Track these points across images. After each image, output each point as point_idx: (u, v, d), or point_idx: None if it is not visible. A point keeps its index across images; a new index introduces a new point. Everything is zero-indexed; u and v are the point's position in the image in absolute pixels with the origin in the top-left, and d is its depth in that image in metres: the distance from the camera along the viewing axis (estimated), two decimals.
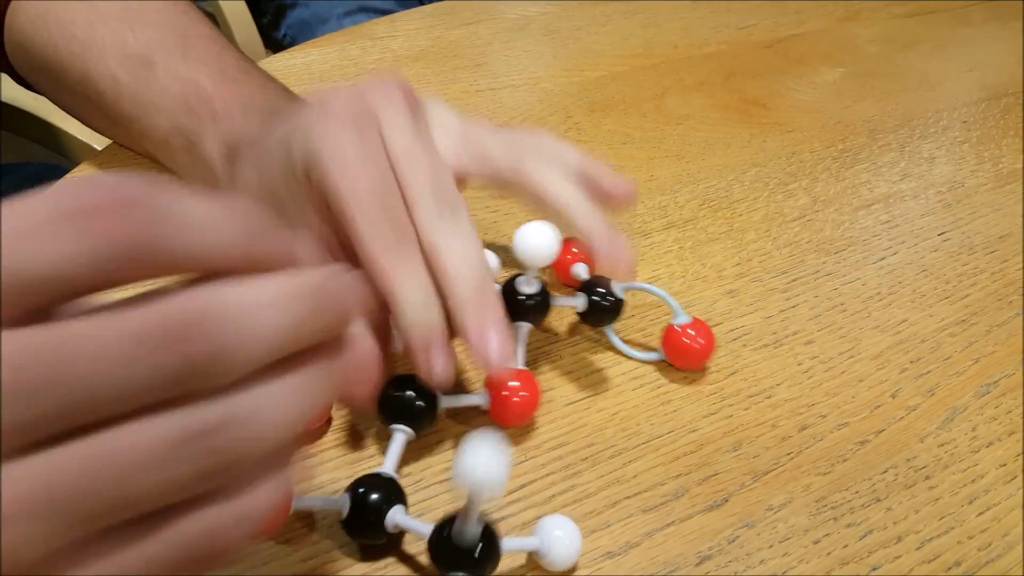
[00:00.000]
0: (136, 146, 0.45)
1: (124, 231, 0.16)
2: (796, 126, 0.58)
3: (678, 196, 0.50)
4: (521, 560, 0.31)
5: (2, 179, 0.63)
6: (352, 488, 0.30)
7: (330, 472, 0.33)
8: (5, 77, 0.49)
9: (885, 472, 0.35)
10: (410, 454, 0.34)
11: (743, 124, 0.57)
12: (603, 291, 0.38)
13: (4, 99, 0.63)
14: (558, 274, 0.43)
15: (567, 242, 0.42)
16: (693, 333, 0.38)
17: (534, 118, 0.55)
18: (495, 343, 0.29)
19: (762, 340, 0.41)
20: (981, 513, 0.34)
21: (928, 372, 0.40)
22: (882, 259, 0.47)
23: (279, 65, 0.58)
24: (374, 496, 0.30)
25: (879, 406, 0.38)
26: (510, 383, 0.34)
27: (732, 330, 0.41)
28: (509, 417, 0.35)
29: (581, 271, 0.41)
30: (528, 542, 0.30)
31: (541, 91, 0.57)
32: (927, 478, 0.35)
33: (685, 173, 0.52)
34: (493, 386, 0.34)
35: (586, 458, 0.35)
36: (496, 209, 0.47)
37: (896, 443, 0.37)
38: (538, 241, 0.34)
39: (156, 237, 0.17)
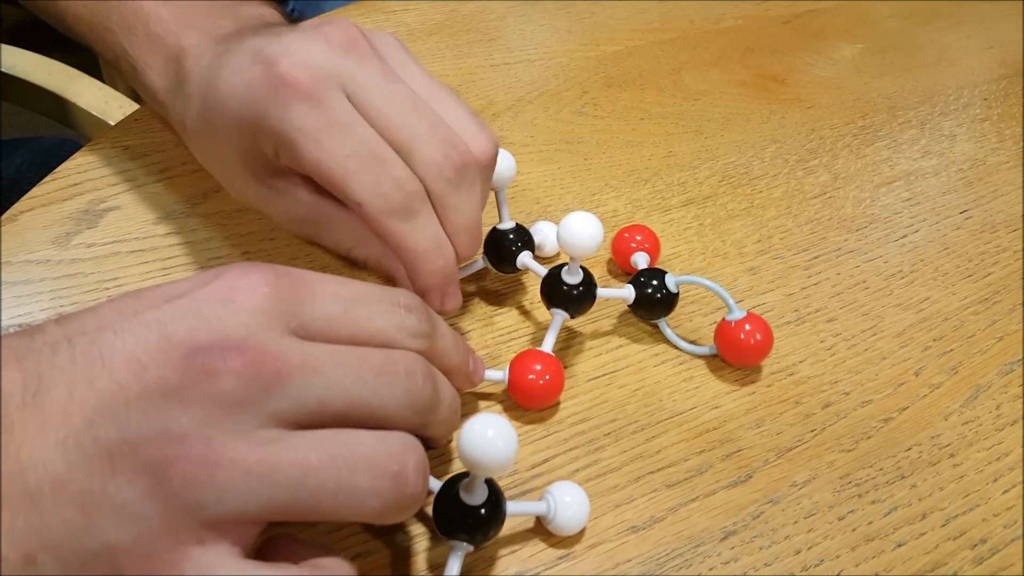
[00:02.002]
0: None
1: (423, 350, 0.28)
2: (815, 102, 0.57)
3: (697, 172, 0.49)
4: (530, 524, 0.31)
5: (16, 153, 0.62)
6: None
7: None
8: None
9: (909, 449, 0.35)
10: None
11: (762, 100, 0.56)
12: (656, 283, 0.37)
13: (13, 72, 0.62)
14: (618, 262, 0.42)
15: (629, 229, 0.41)
16: (749, 328, 0.36)
17: (550, 93, 0.54)
18: (448, 293, 0.34)
19: (784, 317, 0.41)
20: (1007, 491, 0.34)
21: (951, 350, 0.40)
22: (904, 237, 0.46)
23: None
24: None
25: (902, 384, 0.38)
26: (535, 366, 0.34)
27: (754, 307, 0.41)
28: (529, 399, 0.34)
29: (640, 261, 0.40)
30: (535, 507, 0.30)
31: (556, 66, 0.57)
32: (951, 456, 0.35)
33: (704, 149, 0.51)
34: (516, 364, 0.34)
35: (609, 433, 0.35)
36: (539, 200, 0.46)
37: (920, 421, 0.36)
38: (580, 232, 0.32)
39: (433, 356, 0.29)
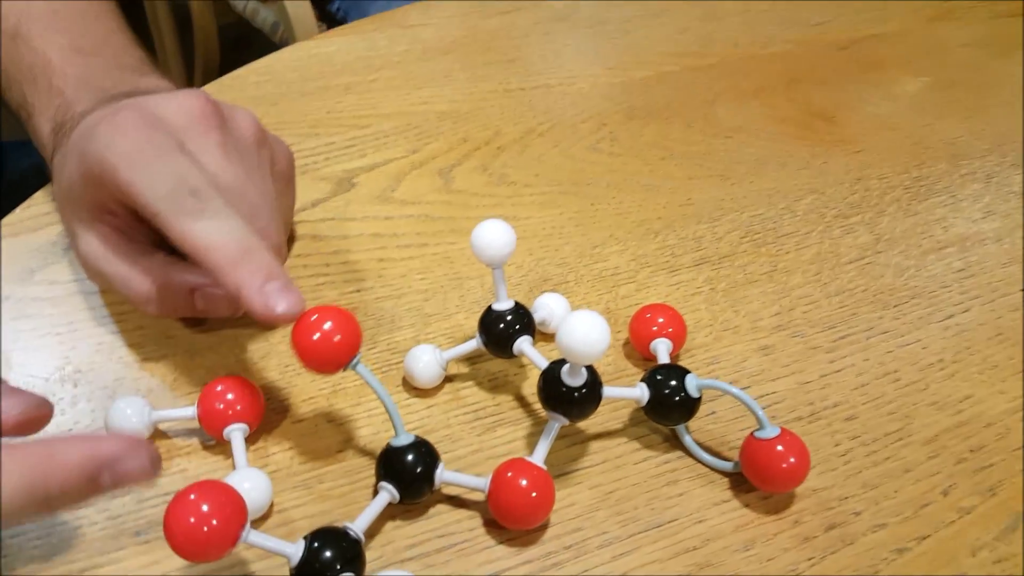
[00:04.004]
0: None
1: None
2: (865, 145, 0.51)
3: (717, 226, 0.44)
4: None
5: (23, 157, 0.61)
6: (309, 538, 0.27)
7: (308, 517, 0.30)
8: None
9: None
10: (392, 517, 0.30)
11: (803, 141, 0.51)
12: (674, 384, 0.32)
13: None
14: (635, 345, 0.37)
15: (652, 309, 0.36)
16: (782, 450, 0.31)
17: (564, 125, 0.49)
18: (273, 289, 0.28)
19: (795, 411, 0.35)
20: None
21: (991, 465, 0.34)
22: (950, 317, 0.40)
23: (300, 55, 0.54)
24: (328, 554, 0.26)
25: (926, 505, 0.32)
26: (521, 481, 0.29)
27: (761, 396, 0.36)
28: (510, 518, 0.30)
29: (661, 350, 0.35)
30: None
31: (576, 93, 0.52)
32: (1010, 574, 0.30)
33: (728, 198, 0.46)
34: (499, 475, 0.30)
35: (570, 547, 0.30)
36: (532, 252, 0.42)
37: (942, 555, 0.31)
38: (582, 339, 0.27)
39: None
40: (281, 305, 0.28)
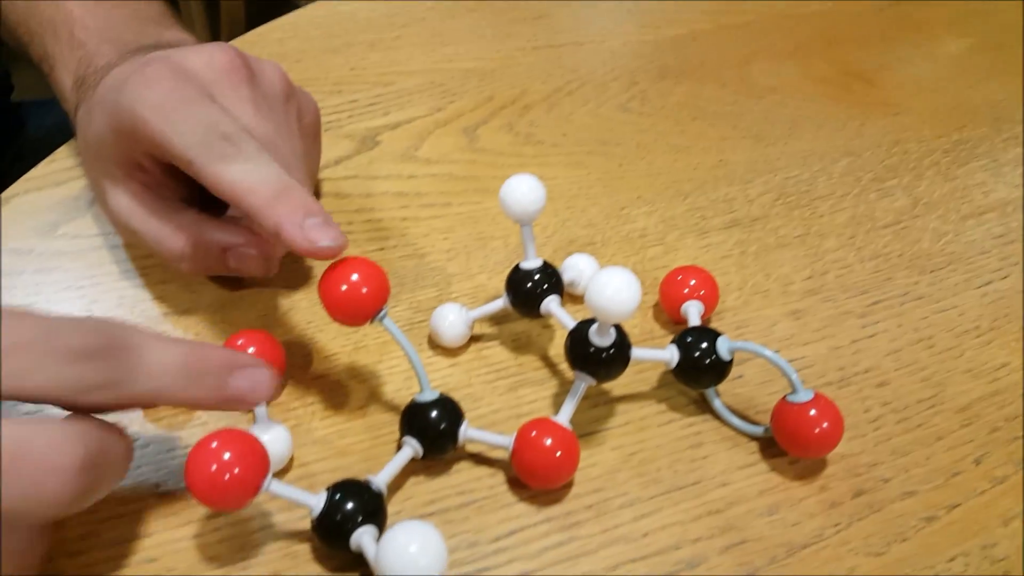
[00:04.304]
0: None
1: (105, 376, 0.24)
2: (904, 108, 0.49)
3: (749, 188, 0.43)
4: None
5: (47, 115, 0.61)
6: (331, 490, 0.27)
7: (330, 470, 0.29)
8: None
9: (953, 560, 0.29)
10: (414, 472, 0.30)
11: (840, 102, 0.49)
12: (704, 347, 0.32)
13: None
14: (665, 308, 0.36)
15: (684, 271, 0.36)
16: (815, 414, 0.30)
17: (593, 84, 0.48)
18: (314, 224, 0.28)
19: (825, 376, 0.35)
20: None
21: None
22: (988, 283, 0.39)
23: (324, 12, 0.53)
24: (349, 506, 0.26)
25: (957, 473, 0.32)
26: (546, 440, 0.29)
27: (790, 361, 0.34)
28: (533, 477, 0.30)
29: (692, 312, 0.34)
30: None
31: (606, 51, 0.51)
32: (1006, 573, 0.29)
33: (762, 159, 0.45)
34: (523, 434, 0.29)
35: (591, 506, 0.30)
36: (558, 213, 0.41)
37: (972, 524, 0.30)
38: (611, 297, 0.26)
39: (126, 383, 0.24)
40: (324, 239, 0.28)
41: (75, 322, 0.24)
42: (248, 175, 0.29)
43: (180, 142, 0.29)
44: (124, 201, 0.33)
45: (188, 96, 0.30)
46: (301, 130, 0.36)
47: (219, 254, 0.34)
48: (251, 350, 0.31)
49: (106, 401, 0.24)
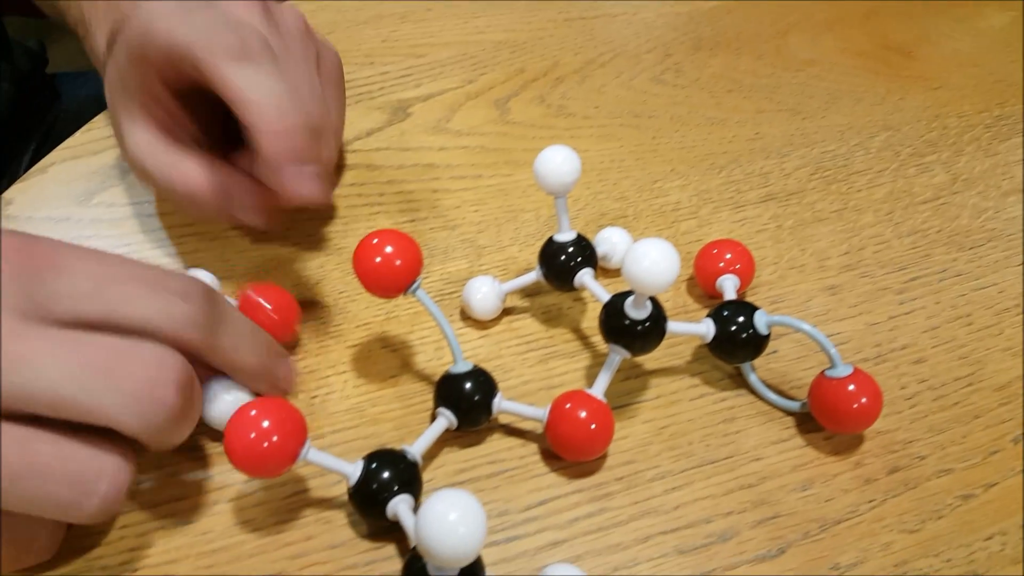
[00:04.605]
0: None
1: (204, 317, 0.26)
2: (945, 82, 0.48)
3: (785, 162, 0.42)
4: None
5: (82, 86, 0.62)
6: (367, 459, 0.27)
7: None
8: None
9: (990, 539, 0.29)
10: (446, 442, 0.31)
11: (879, 76, 0.48)
12: (741, 321, 0.31)
13: None
14: (700, 282, 0.36)
15: (719, 244, 0.35)
16: (854, 389, 0.30)
17: (626, 55, 0.48)
18: (301, 174, 0.28)
19: (861, 352, 0.34)
20: None
21: None
22: None
23: None
24: (386, 474, 0.26)
25: (995, 452, 0.31)
26: (580, 412, 0.29)
27: (828, 336, 0.34)
28: (567, 449, 0.30)
29: (728, 287, 0.34)
30: None
31: (640, 23, 0.50)
32: None
33: (799, 133, 0.44)
34: (558, 406, 0.29)
35: (622, 478, 0.30)
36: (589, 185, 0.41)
37: (1009, 503, 0.30)
38: (649, 268, 0.26)
39: (218, 331, 0.26)
40: (304, 189, 0.28)
41: (173, 271, 0.26)
42: (255, 88, 0.28)
43: (188, 38, 0.29)
44: (140, 138, 0.33)
45: (200, 4, 0.30)
46: (321, 78, 0.35)
47: (224, 198, 0.33)
48: (268, 306, 0.31)
49: (199, 343, 0.25)
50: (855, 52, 0.50)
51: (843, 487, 0.30)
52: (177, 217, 0.38)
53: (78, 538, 0.27)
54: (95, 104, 0.41)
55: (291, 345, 0.33)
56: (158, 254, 0.36)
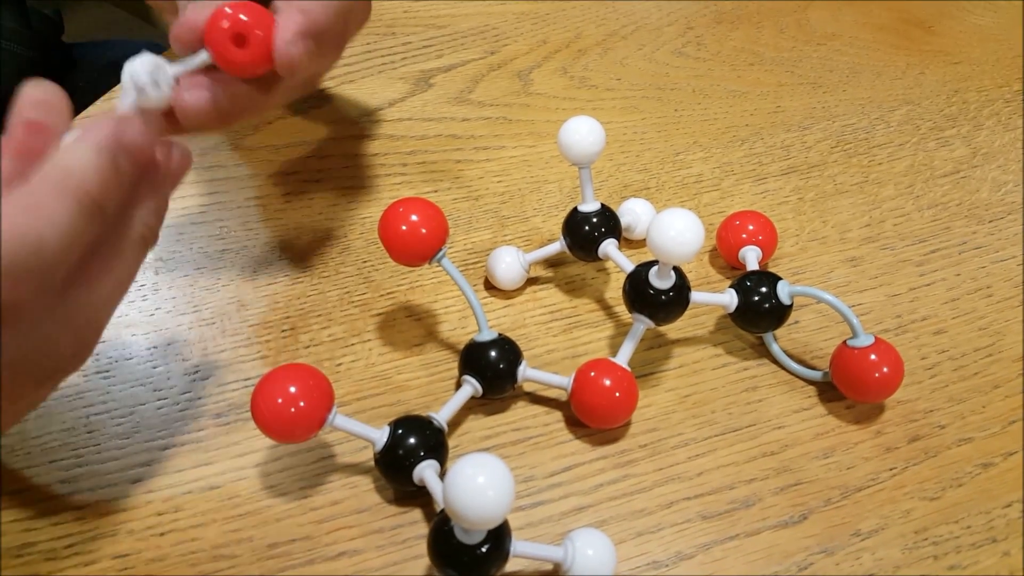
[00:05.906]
0: None
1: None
2: (965, 57, 0.48)
3: (807, 135, 0.42)
4: (547, 567, 0.27)
5: (102, 55, 0.62)
6: (394, 424, 0.27)
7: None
8: None
9: (1009, 506, 0.29)
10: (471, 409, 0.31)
11: (900, 50, 0.48)
12: (764, 291, 0.31)
13: None
14: (723, 253, 0.36)
15: (741, 216, 0.35)
16: (875, 359, 0.30)
17: (648, 28, 0.48)
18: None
19: (882, 323, 0.34)
20: None
21: None
22: None
23: None
24: (412, 440, 0.27)
25: (1014, 422, 0.32)
26: (605, 380, 0.29)
27: (849, 307, 0.35)
28: (592, 417, 0.30)
29: (751, 258, 0.34)
30: (551, 552, 0.26)
31: None
32: None
33: (820, 106, 0.44)
34: (582, 374, 0.30)
35: (645, 445, 0.30)
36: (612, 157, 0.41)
37: None
38: (674, 238, 0.26)
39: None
40: (189, 96, 0.26)
41: None
42: None
43: None
44: None
45: None
46: None
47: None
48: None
49: None
50: (876, 26, 0.49)
51: (864, 455, 0.30)
52: (197, 187, 0.38)
53: (105, 502, 0.28)
54: (112, 74, 0.41)
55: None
56: (182, 222, 0.36)
